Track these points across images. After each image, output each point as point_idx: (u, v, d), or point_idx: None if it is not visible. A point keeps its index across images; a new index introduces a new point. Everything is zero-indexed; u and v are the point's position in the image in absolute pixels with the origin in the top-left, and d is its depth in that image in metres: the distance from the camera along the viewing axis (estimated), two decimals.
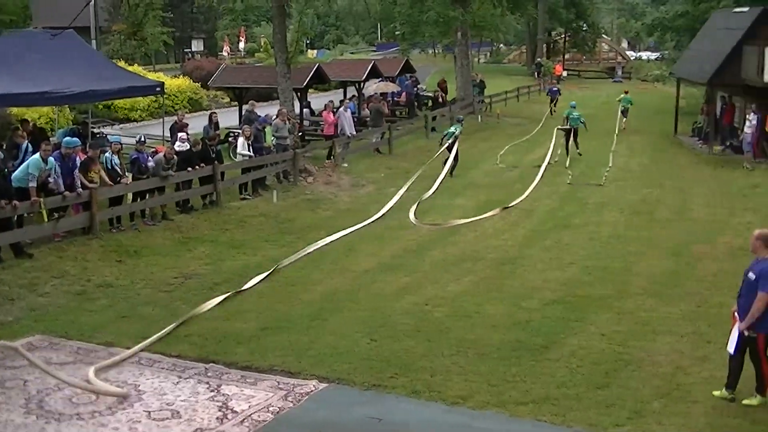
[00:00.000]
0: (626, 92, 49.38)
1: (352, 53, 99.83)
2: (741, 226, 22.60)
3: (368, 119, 39.25)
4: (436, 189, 27.93)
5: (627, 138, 41.71)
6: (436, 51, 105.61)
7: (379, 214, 24.69)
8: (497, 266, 19.41)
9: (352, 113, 37.42)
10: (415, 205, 25.40)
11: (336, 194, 28.13)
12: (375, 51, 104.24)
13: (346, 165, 32.41)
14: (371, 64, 45.38)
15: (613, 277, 18.49)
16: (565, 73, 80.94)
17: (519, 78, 77.30)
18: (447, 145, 30.71)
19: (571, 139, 35.98)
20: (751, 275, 11.65)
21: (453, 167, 30.80)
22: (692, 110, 44.64)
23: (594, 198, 27.41)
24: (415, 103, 49.76)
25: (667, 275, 18.59)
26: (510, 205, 25.56)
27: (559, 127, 37.06)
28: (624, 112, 46.39)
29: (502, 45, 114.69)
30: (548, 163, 31.96)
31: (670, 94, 50.83)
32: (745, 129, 33.20)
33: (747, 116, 33.28)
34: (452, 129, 32.07)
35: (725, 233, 21.74)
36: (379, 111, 38.48)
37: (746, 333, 11.60)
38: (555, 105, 53.68)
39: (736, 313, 11.88)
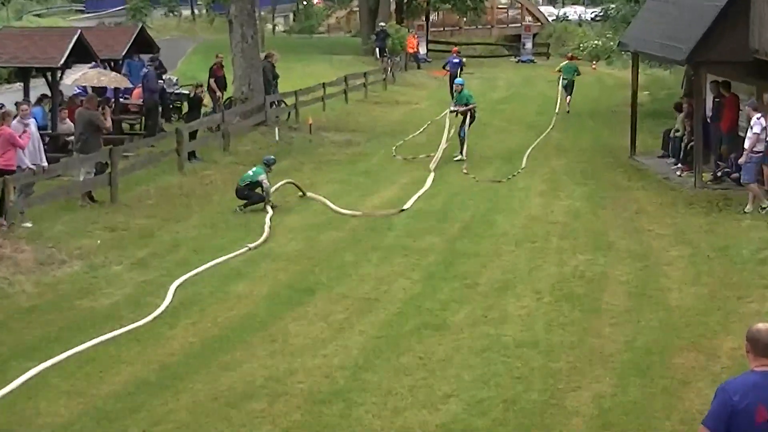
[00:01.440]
0: (570, 58, 56.54)
1: (38, 16, 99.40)
2: (759, 320, 22.74)
3: (71, 138, 38.77)
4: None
5: (548, 162, 42.33)
6: (196, 13, 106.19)
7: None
8: (315, 406, 19.23)
9: (40, 128, 36.88)
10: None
11: (10, 279, 27.51)
12: (84, 13, 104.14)
13: (29, 224, 31.94)
14: (76, 37, 44.96)
15: (528, 418, 18.47)
16: (423, 50, 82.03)
17: (348, 60, 78.34)
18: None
19: (467, 122, 42.18)
20: None
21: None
22: (661, 109, 45.66)
23: (488, 275, 27.43)
24: (160, 109, 49.49)
25: (628, 411, 18.64)
26: (405, 207, 25.91)
27: (451, 108, 43.25)
28: (567, 87, 51.68)
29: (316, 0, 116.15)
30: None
31: (621, 81, 52.17)
32: (746, 142, 32.83)
33: (751, 117, 33.07)
34: (251, 172, 35.72)
35: (730, 332, 21.92)
36: (91, 123, 37.98)
37: None
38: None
39: None
